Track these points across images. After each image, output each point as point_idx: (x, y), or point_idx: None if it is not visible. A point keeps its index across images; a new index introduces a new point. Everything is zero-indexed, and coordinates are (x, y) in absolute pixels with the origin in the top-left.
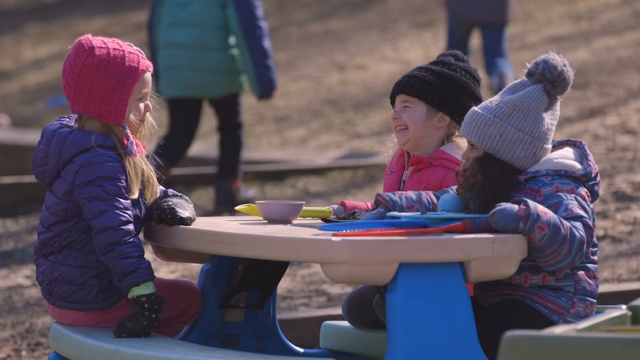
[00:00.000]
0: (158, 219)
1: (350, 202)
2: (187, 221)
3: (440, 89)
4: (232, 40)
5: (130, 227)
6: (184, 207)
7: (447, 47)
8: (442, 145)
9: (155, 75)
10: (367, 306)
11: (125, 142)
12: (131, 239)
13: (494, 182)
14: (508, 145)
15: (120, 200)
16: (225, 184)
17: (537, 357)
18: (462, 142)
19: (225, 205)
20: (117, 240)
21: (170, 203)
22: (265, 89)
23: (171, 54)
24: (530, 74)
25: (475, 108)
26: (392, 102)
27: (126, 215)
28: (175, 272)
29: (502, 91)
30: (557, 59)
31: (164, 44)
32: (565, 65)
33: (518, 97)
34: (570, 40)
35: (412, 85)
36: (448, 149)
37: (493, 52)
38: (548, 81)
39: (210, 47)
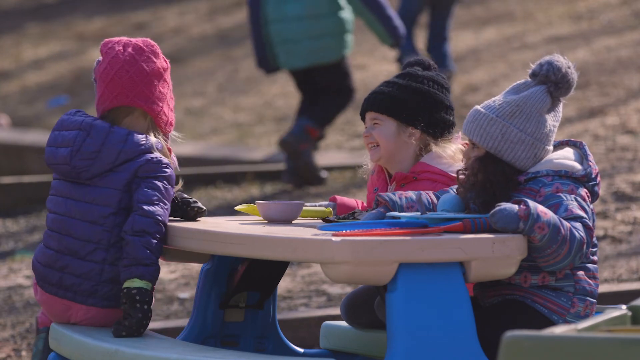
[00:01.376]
0: (182, 214)
1: (340, 198)
2: (205, 212)
3: (408, 104)
4: (338, 3)
5: (164, 229)
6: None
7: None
8: (418, 157)
9: (260, 48)
10: (365, 307)
11: (171, 152)
12: (161, 239)
13: (495, 181)
14: (510, 146)
15: (168, 204)
16: (304, 125)
17: (537, 357)
18: (442, 151)
19: (287, 146)
20: (153, 232)
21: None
22: (396, 36)
23: (286, 27)
24: (534, 75)
25: (477, 107)
26: (363, 119)
27: (166, 218)
28: (175, 272)
29: (505, 91)
30: (562, 60)
31: (276, 19)
32: (569, 67)
33: (521, 98)
34: (570, 40)
35: (379, 102)
36: (428, 160)
37: (439, 33)
38: (552, 83)
39: (322, 14)
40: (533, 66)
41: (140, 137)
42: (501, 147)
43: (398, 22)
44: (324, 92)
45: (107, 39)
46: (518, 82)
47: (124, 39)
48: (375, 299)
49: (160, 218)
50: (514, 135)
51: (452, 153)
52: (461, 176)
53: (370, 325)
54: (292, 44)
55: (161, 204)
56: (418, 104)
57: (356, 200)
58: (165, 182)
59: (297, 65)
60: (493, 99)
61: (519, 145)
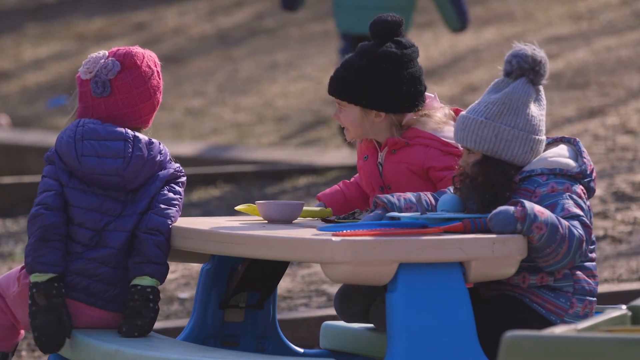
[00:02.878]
0: None
1: (322, 193)
2: None
3: (366, 92)
4: None
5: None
6: None
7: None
8: (396, 126)
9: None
10: (356, 297)
11: None
12: (169, 240)
13: (497, 182)
14: (505, 145)
15: (181, 209)
16: None
17: (537, 357)
18: (429, 121)
19: None
20: (165, 231)
21: None
22: (464, 21)
23: None
24: (508, 74)
25: (464, 113)
26: None
27: (176, 221)
28: (175, 272)
29: (486, 91)
30: (524, 47)
31: None
32: (534, 50)
33: (505, 95)
34: (570, 40)
35: (340, 89)
36: (420, 126)
37: None
38: (528, 71)
39: None
40: (501, 68)
41: (166, 148)
42: (497, 147)
43: (467, 7)
44: None
45: (132, 49)
46: (496, 80)
47: (145, 52)
48: (369, 297)
49: (172, 220)
50: (507, 134)
51: (439, 119)
52: (460, 182)
53: (363, 315)
54: (365, 10)
55: (177, 207)
56: (375, 89)
57: (338, 184)
58: (182, 188)
59: (365, 31)
60: (476, 102)
61: (514, 143)
